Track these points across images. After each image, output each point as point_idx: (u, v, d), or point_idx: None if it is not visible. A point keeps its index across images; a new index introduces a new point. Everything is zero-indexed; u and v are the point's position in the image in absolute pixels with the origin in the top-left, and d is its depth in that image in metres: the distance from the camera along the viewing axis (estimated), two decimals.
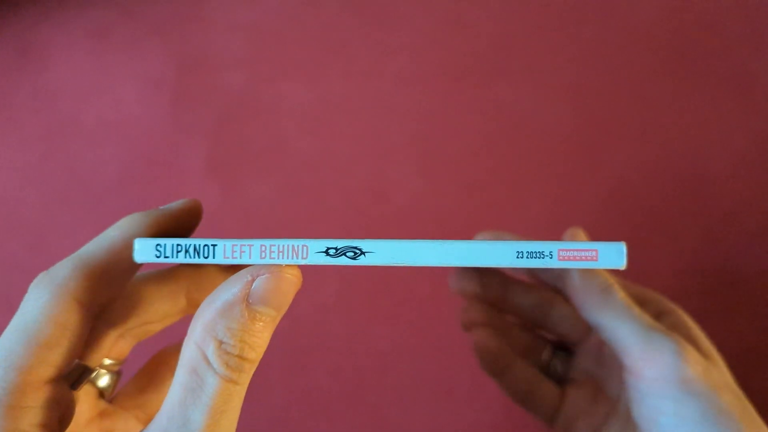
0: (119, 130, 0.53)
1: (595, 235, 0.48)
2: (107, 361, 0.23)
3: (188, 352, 0.19)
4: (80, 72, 0.54)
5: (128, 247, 0.21)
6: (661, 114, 0.51)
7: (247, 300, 0.19)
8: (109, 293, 0.21)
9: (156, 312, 0.24)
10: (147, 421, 0.25)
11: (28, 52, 0.54)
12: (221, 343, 0.19)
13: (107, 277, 0.21)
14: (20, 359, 0.19)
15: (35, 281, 0.21)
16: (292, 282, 0.20)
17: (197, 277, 0.24)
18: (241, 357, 0.19)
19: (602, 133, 0.51)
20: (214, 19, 0.54)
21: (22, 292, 0.51)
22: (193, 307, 0.25)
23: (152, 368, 0.26)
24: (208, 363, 0.19)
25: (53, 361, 0.20)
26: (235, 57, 0.54)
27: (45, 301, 0.20)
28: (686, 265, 0.48)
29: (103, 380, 0.23)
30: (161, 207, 0.23)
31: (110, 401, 0.24)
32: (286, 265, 0.20)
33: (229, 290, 0.19)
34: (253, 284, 0.19)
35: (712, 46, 0.52)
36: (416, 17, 0.54)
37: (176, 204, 0.23)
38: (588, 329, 0.33)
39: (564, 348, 0.35)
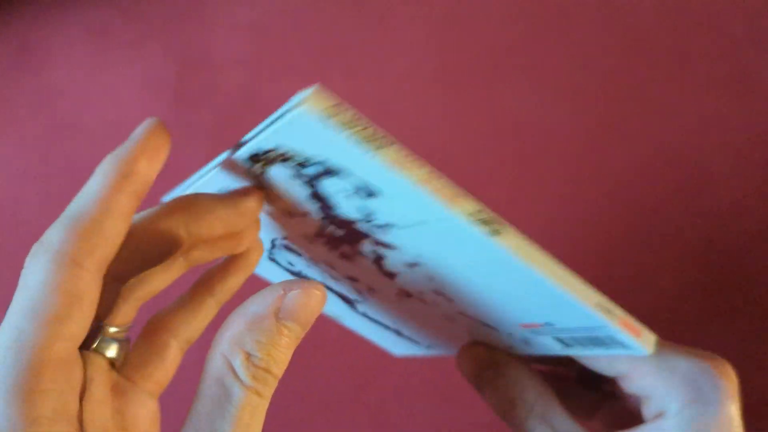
0: (119, 130, 0.53)
1: (596, 235, 0.49)
2: (112, 329, 0.22)
3: (214, 363, 0.19)
4: (80, 72, 0.54)
5: (116, 197, 0.19)
6: (661, 114, 0.51)
7: (278, 314, 0.19)
8: (108, 249, 0.19)
9: (156, 253, 0.22)
10: (157, 393, 0.23)
11: (28, 52, 0.54)
12: (249, 355, 0.19)
13: (103, 233, 0.19)
14: (32, 337, 0.17)
15: (31, 253, 0.19)
16: (320, 299, 0.20)
17: (192, 209, 0.22)
18: (267, 370, 0.19)
19: (602, 133, 0.51)
20: (214, 19, 0.54)
21: None
22: (193, 242, 0.22)
23: (150, 336, 0.23)
24: (235, 374, 0.18)
25: (68, 334, 0.17)
26: (236, 57, 0.54)
27: (46, 271, 0.18)
28: (686, 265, 0.48)
29: (111, 350, 0.21)
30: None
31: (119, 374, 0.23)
32: (315, 282, 0.20)
33: (260, 303, 0.19)
34: (285, 298, 0.19)
35: (712, 46, 0.52)
36: (417, 18, 0.54)
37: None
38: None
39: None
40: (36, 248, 0.19)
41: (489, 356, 0.26)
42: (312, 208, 0.22)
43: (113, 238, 0.19)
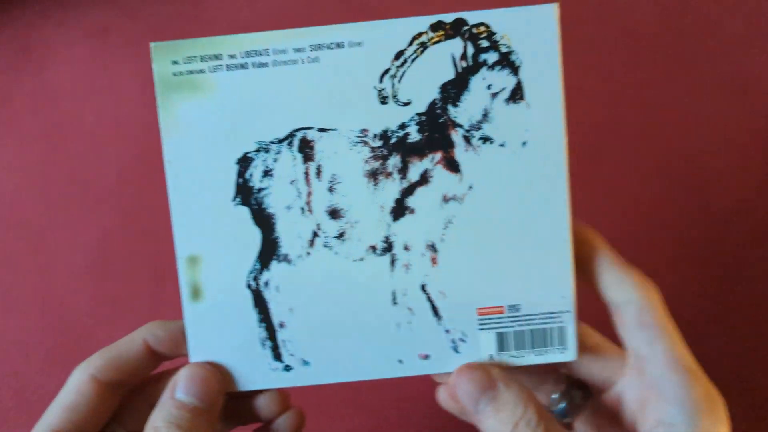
0: (119, 129, 0.53)
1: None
2: None
3: None
4: (80, 72, 0.54)
5: (145, 346, 0.27)
6: (662, 114, 0.51)
7: (173, 392, 0.25)
8: (125, 376, 0.27)
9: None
10: None
11: (28, 52, 0.54)
12: (157, 429, 0.24)
13: (123, 364, 0.27)
14: (52, 419, 0.25)
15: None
16: (207, 371, 0.25)
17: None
18: None
19: (602, 132, 0.51)
20: (213, 19, 0.54)
21: (22, 291, 0.52)
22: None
23: None
24: None
25: (75, 420, 0.25)
26: None
27: (73, 377, 0.26)
28: (687, 265, 0.48)
29: None
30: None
31: None
32: (201, 362, 0.26)
33: (165, 390, 0.26)
34: (176, 379, 0.25)
35: (712, 46, 0.52)
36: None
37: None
38: (605, 383, 0.29)
39: (582, 387, 0.30)
40: (81, 363, 0.27)
41: (488, 377, 0.26)
42: (422, 98, 0.26)
43: (132, 372, 0.27)
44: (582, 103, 0.52)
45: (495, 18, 0.26)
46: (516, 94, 0.26)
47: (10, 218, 0.51)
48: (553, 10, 0.25)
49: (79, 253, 0.50)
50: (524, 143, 0.26)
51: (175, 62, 0.26)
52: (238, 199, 0.27)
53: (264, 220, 0.27)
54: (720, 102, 0.51)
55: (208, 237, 0.27)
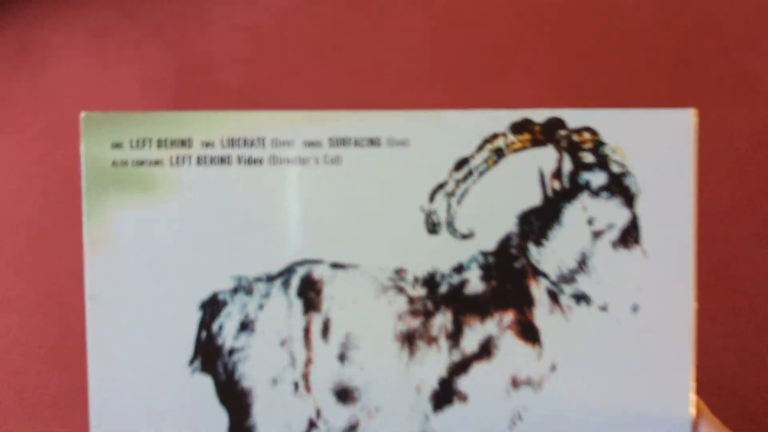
0: None
1: None
2: None
3: None
4: (80, 72, 0.54)
5: None
6: None
7: None
8: None
9: None
10: None
11: (28, 52, 0.54)
12: None
13: None
14: None
15: None
16: None
17: None
18: None
19: None
20: (214, 19, 0.54)
21: (22, 291, 0.51)
22: None
23: None
24: None
25: None
26: (235, 57, 0.54)
27: None
28: None
29: None
30: None
31: None
32: None
33: None
34: None
35: (712, 46, 0.52)
36: (416, 18, 0.54)
37: None
38: None
39: None
40: None
41: None
42: (490, 230, 0.17)
43: None
44: (581, 103, 0.52)
45: (607, 122, 0.17)
46: (628, 236, 0.18)
47: (10, 218, 0.51)
48: (689, 118, 0.17)
49: (79, 253, 0.50)
50: (635, 308, 0.18)
51: (117, 145, 0.17)
52: (197, 363, 0.18)
53: (235, 398, 0.18)
54: (720, 102, 0.51)
55: (146, 421, 0.17)
